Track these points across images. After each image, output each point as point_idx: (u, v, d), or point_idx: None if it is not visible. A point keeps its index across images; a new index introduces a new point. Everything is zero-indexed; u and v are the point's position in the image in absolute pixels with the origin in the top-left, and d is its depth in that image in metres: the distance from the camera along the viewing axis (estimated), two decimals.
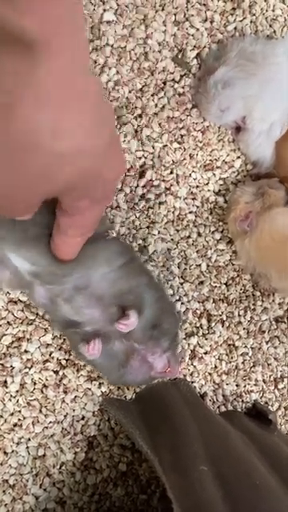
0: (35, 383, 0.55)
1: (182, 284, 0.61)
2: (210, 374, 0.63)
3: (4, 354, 0.54)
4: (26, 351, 0.55)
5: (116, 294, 0.50)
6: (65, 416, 0.57)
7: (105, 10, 0.57)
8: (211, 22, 0.62)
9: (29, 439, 0.55)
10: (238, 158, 0.65)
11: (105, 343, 0.51)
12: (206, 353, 0.62)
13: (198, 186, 0.64)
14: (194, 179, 0.63)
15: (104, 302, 0.50)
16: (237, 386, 0.65)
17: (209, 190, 0.64)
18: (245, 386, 0.65)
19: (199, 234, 0.63)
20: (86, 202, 0.34)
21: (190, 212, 0.63)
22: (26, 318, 0.55)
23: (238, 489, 0.47)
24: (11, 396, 0.54)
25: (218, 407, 0.64)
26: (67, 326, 0.51)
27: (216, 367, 0.63)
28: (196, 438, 0.53)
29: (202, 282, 0.62)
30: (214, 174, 0.64)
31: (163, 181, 0.61)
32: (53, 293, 0.49)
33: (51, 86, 0.26)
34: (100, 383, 0.58)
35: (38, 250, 0.46)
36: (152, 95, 0.60)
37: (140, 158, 0.60)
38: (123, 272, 0.51)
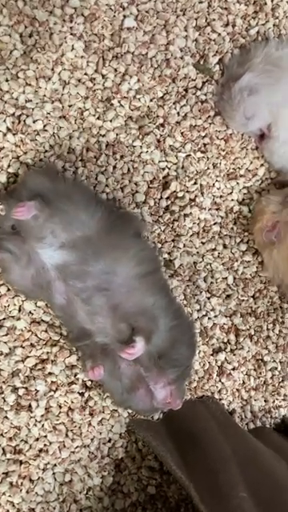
0: (61, 406, 0.53)
1: (208, 298, 0.59)
2: (237, 390, 0.61)
3: (28, 376, 0.52)
4: (50, 373, 0.53)
5: (130, 309, 0.48)
6: (91, 439, 0.54)
7: (125, 16, 0.55)
8: (233, 27, 0.60)
9: (55, 465, 0.53)
10: (262, 165, 0.63)
11: (111, 362, 0.49)
12: (233, 369, 0.60)
13: (221, 196, 0.61)
14: (218, 189, 0.61)
15: (117, 314, 0.48)
16: (265, 401, 0.63)
17: (232, 200, 0.62)
18: (273, 402, 0.63)
19: (225, 246, 0.61)
20: None
21: (215, 223, 0.61)
22: (50, 338, 0.53)
23: None
24: (36, 421, 0.52)
25: (247, 424, 0.62)
26: (80, 337, 0.50)
27: (244, 383, 0.61)
28: (231, 461, 0.51)
29: (229, 296, 0.60)
30: (237, 183, 0.62)
31: (187, 192, 0.58)
32: (73, 290, 0.48)
33: None
34: None
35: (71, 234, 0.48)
36: (174, 103, 0.58)
37: (163, 169, 0.58)
38: (145, 282, 0.49)
